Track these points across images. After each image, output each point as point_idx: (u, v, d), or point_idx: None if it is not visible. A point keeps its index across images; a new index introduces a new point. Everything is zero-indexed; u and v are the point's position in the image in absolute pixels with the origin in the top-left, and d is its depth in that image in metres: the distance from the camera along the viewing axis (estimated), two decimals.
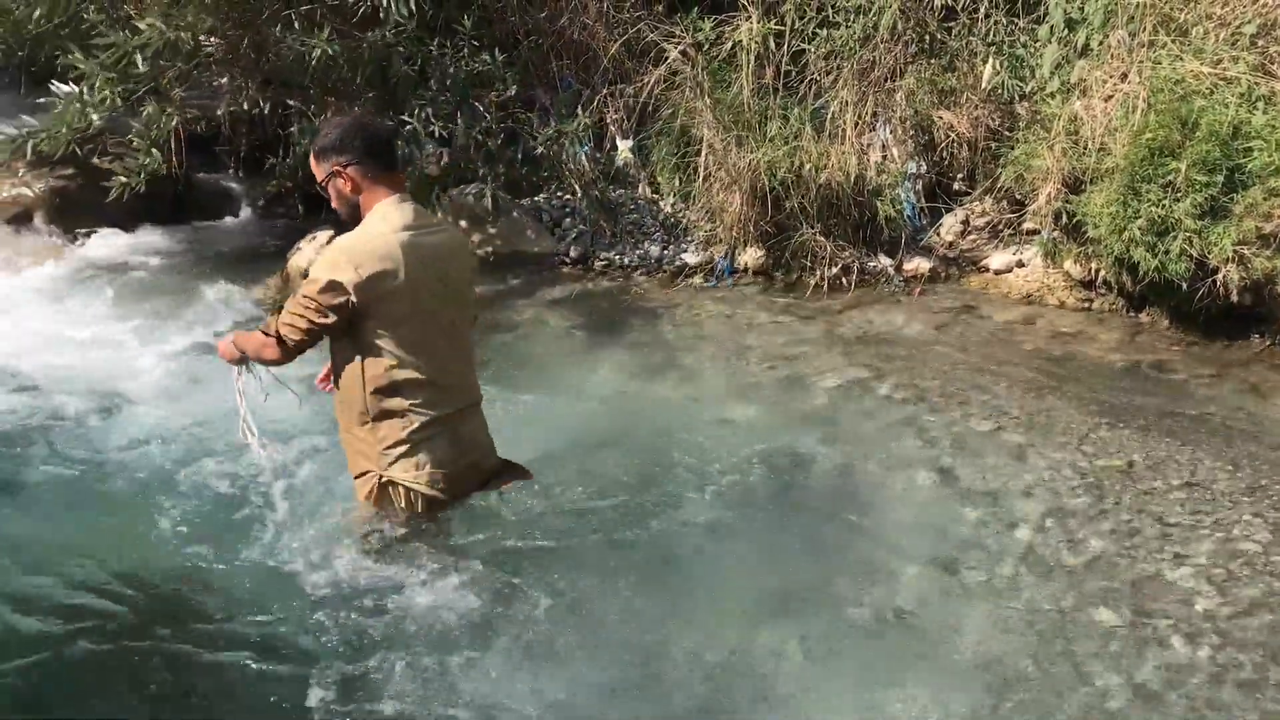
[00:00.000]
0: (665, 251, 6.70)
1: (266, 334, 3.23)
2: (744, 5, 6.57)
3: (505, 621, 3.20)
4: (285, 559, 3.43)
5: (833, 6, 6.60)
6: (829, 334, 5.67)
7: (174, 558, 3.51)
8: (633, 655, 3.12)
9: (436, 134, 6.69)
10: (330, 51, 5.99)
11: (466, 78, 6.55)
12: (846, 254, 6.24)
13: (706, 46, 6.66)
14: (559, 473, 4.00)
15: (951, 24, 6.57)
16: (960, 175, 6.66)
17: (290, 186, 7.48)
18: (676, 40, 6.68)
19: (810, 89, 6.62)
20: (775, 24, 6.55)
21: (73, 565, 3.48)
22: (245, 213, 7.70)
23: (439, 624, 3.17)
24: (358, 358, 3.24)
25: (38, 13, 6.11)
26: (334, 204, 3.29)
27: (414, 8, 6.07)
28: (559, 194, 7.25)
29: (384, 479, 3.32)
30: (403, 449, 3.29)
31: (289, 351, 3.23)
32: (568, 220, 7.03)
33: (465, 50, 6.53)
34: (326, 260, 3.13)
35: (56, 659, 3.06)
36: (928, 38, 6.59)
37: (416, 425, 3.28)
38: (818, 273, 6.17)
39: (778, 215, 6.25)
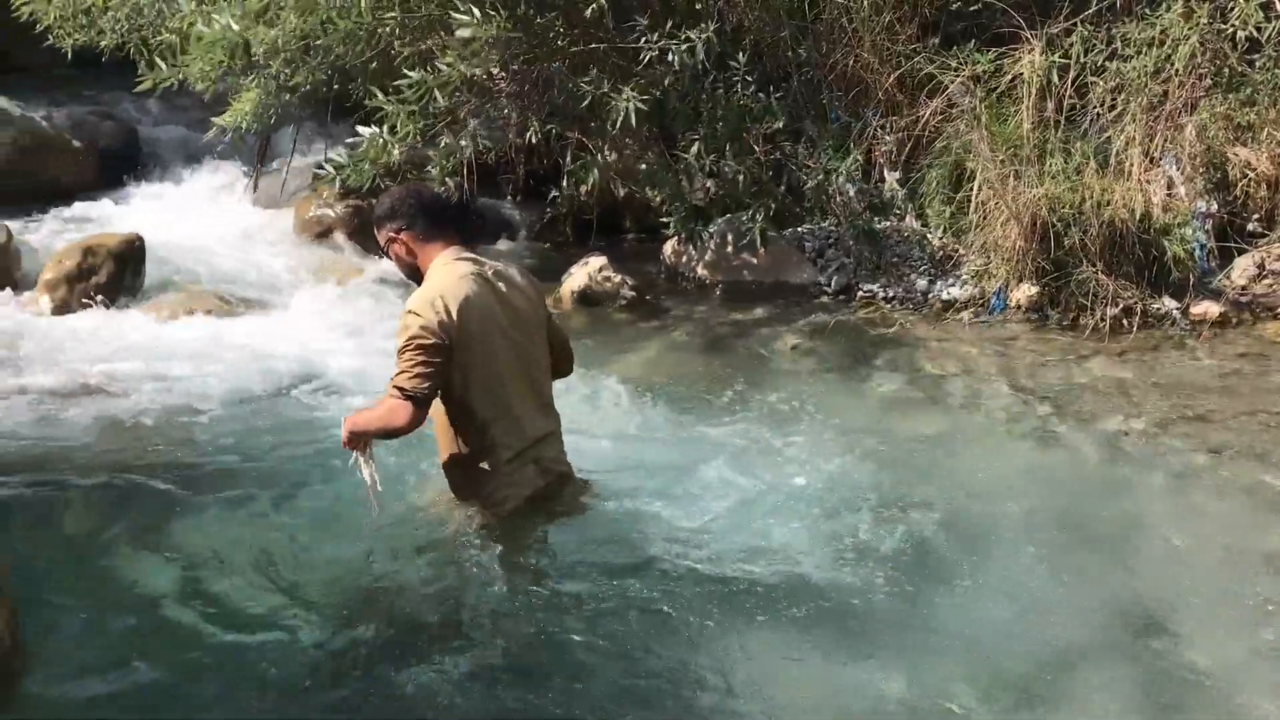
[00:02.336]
0: (932, 285, 6.59)
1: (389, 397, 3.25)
2: (1026, 39, 6.40)
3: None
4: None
5: (1123, 39, 6.34)
6: (1109, 377, 5.42)
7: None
8: None
9: (707, 168, 6.84)
10: (609, 94, 6.23)
11: (738, 113, 6.67)
12: (1129, 294, 5.95)
13: (985, 78, 6.53)
14: (807, 503, 4.01)
15: (1254, 55, 6.19)
16: (1257, 216, 6.25)
17: (564, 213, 7.87)
18: (953, 72, 6.58)
19: (1093, 123, 6.38)
20: (1059, 57, 6.34)
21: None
22: (521, 237, 8.12)
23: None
24: (445, 400, 3.36)
25: (352, 48, 6.63)
26: (398, 269, 3.47)
27: (701, 57, 6.23)
28: (822, 224, 7.26)
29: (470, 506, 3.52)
30: (490, 485, 3.44)
31: (419, 404, 3.22)
32: (830, 251, 7.03)
33: (738, 86, 6.65)
34: (411, 313, 3.24)
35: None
36: (1226, 70, 6.22)
37: (505, 459, 3.40)
38: (1097, 313, 5.91)
39: (1056, 251, 6.03)
